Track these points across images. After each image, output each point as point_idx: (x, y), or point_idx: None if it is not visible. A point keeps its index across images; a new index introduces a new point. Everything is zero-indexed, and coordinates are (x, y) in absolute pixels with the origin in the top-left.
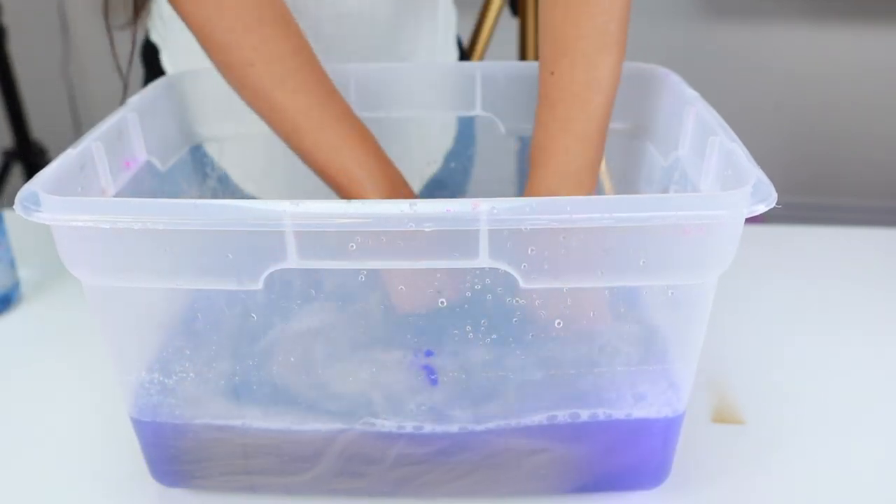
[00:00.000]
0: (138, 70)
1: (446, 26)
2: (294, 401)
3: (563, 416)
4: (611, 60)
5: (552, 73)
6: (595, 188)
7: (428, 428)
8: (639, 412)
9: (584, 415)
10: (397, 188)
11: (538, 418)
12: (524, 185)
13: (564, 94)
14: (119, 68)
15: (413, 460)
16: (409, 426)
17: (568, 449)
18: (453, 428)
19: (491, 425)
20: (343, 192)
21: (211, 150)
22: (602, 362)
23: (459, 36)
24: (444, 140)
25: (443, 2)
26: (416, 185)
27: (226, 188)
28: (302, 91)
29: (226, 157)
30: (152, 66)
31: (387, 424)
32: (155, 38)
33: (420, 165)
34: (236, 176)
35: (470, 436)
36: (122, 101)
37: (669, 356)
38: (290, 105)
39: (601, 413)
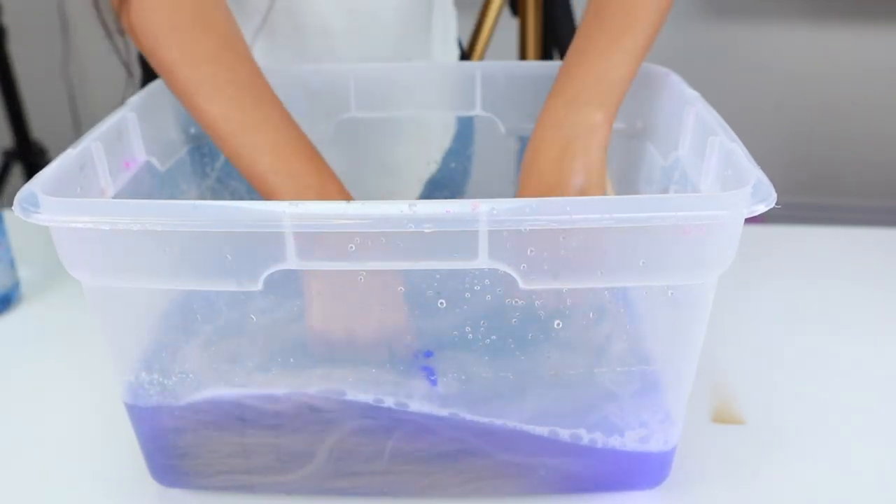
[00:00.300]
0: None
1: (446, 26)
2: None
3: (563, 432)
4: None
5: None
6: (620, 106)
7: (422, 425)
8: (635, 445)
9: (586, 438)
10: (325, 196)
11: (534, 427)
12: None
13: (616, 9)
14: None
15: (405, 454)
16: (399, 426)
17: (564, 461)
18: (448, 426)
19: (486, 424)
20: (266, 198)
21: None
22: (601, 362)
23: (459, 37)
24: (443, 140)
25: (443, 1)
26: (416, 185)
27: (225, 188)
28: (221, 97)
29: None
30: (148, 66)
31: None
32: None
33: (420, 165)
34: None
35: (463, 434)
36: (123, 100)
37: (668, 357)
38: (210, 110)
39: (599, 440)
